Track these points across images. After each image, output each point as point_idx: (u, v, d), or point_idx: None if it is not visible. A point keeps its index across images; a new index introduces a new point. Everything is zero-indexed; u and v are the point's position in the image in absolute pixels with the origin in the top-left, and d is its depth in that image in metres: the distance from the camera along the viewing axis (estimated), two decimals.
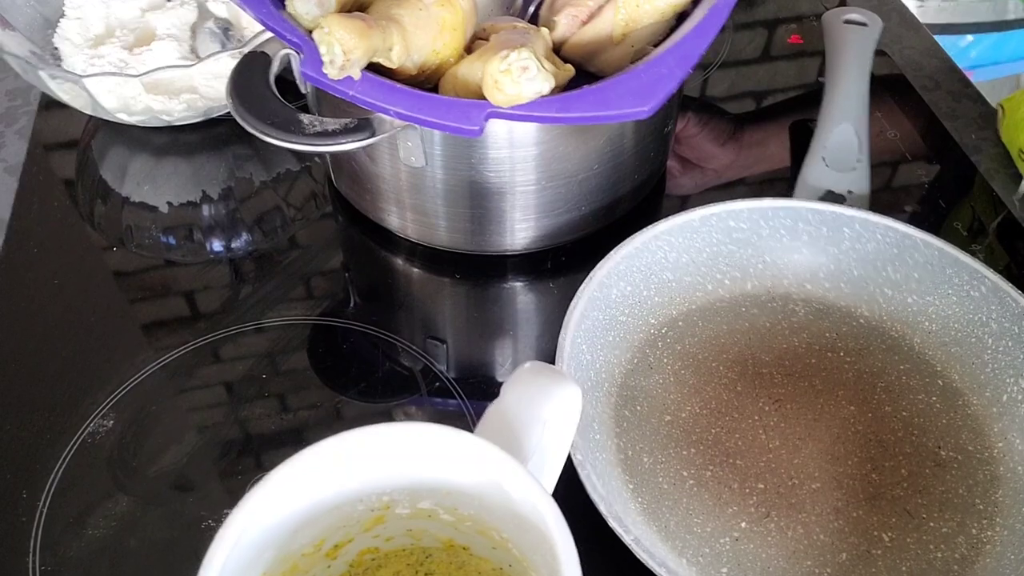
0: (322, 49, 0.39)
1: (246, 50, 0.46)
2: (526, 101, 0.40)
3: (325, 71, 0.40)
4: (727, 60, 0.68)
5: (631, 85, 0.42)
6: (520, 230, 0.53)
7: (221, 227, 0.59)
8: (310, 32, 0.42)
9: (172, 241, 0.58)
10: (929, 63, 0.69)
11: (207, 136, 0.63)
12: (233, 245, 0.58)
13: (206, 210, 0.60)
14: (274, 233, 0.58)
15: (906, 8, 0.74)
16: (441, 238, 0.54)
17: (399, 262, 0.56)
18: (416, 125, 0.43)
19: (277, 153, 0.62)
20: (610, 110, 0.42)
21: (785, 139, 0.63)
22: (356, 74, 0.40)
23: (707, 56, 0.69)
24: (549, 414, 0.30)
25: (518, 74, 0.39)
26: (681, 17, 0.48)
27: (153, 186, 0.61)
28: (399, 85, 0.42)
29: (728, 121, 0.65)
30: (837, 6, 0.69)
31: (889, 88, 0.66)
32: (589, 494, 0.37)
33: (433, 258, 0.55)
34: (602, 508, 0.37)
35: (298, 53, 0.42)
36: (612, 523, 0.36)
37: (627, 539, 0.36)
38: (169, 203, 0.60)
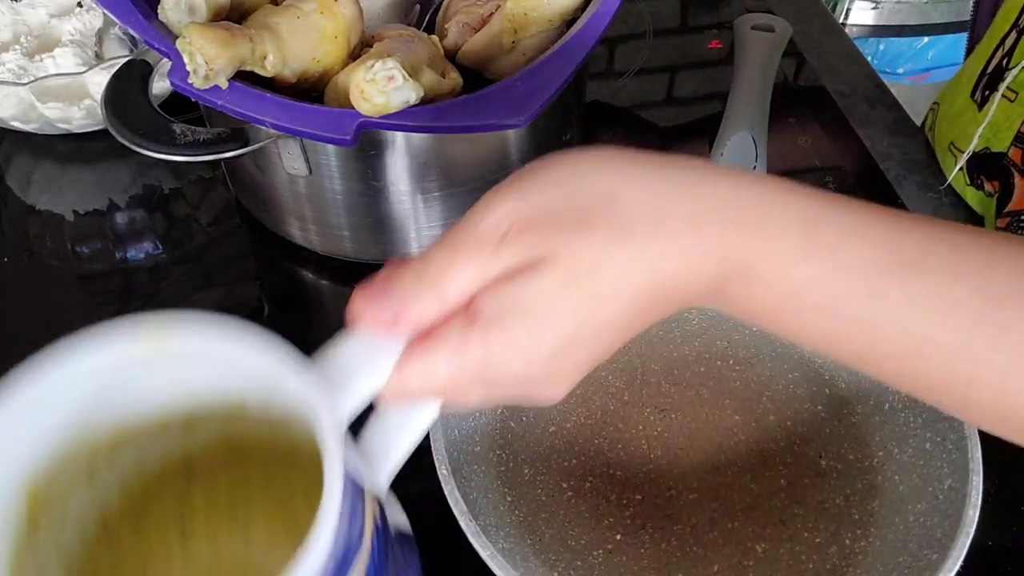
0: (185, 58, 0.39)
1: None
2: (394, 110, 0.40)
3: (190, 80, 0.39)
4: (645, 67, 0.68)
5: (507, 96, 0.42)
6: (423, 239, 0.53)
7: (129, 236, 0.58)
8: None
9: (79, 249, 0.57)
10: (847, 68, 0.69)
11: (113, 143, 0.62)
12: (141, 254, 0.57)
13: (113, 218, 0.59)
14: (184, 242, 0.57)
15: (828, 13, 0.74)
16: (346, 249, 0.54)
17: (307, 274, 0.56)
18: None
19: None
20: (485, 120, 0.41)
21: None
22: (223, 83, 0.40)
23: (624, 63, 0.69)
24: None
25: (384, 84, 0.39)
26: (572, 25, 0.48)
27: (58, 194, 0.60)
28: (268, 94, 0.41)
29: (656, 136, 0.65)
30: (757, 11, 0.69)
31: (805, 94, 0.66)
32: (452, 508, 0.37)
33: (340, 269, 0.55)
34: (462, 522, 0.36)
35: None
36: (471, 537, 0.36)
37: (484, 554, 0.36)
38: (75, 211, 0.59)
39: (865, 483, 0.42)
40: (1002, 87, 0.50)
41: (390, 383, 0.27)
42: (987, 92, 0.53)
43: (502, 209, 0.27)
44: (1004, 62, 0.52)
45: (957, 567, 0.35)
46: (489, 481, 0.42)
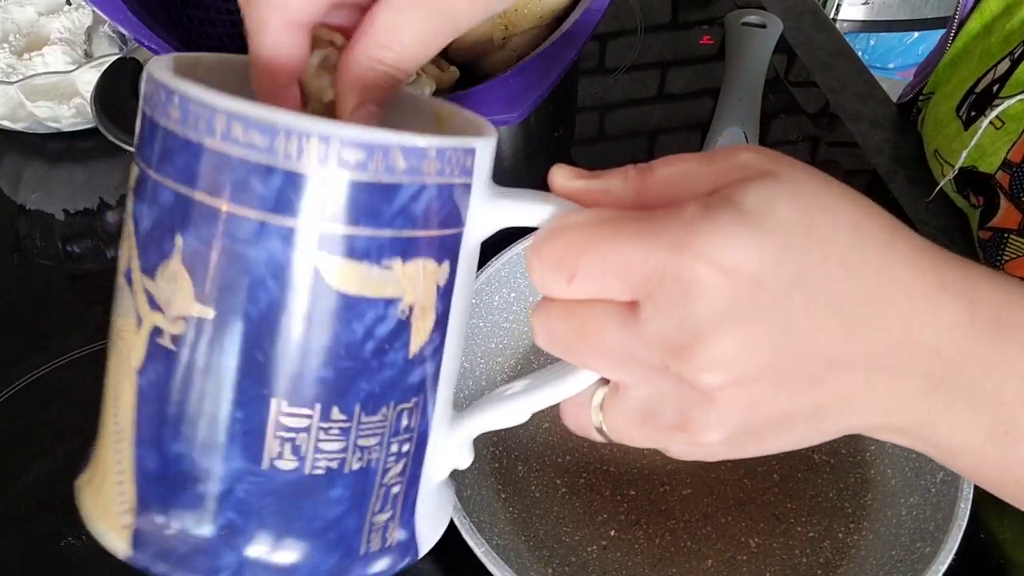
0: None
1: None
2: None
3: None
4: (637, 63, 0.68)
5: (498, 92, 0.42)
6: None
7: (119, 234, 0.58)
8: None
9: (69, 249, 0.57)
10: (838, 64, 0.69)
11: (103, 142, 0.61)
12: None
13: (104, 217, 0.59)
14: None
15: (819, 9, 0.74)
16: None
17: None
18: None
19: None
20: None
21: None
22: None
23: (615, 59, 0.69)
24: None
25: None
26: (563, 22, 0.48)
27: (48, 194, 0.60)
28: None
29: (648, 133, 0.65)
30: (748, 7, 0.69)
31: (796, 90, 0.67)
32: None
33: None
34: (456, 519, 0.36)
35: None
36: (465, 534, 0.36)
37: (479, 551, 0.36)
38: (65, 210, 0.59)
39: (858, 477, 0.43)
40: (991, 114, 0.50)
41: (543, 227, 0.24)
42: (973, 113, 0.53)
43: (749, 151, 0.24)
44: (995, 88, 0.52)
45: (950, 560, 0.36)
46: (483, 478, 0.42)
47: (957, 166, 0.53)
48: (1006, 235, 0.50)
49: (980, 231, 0.52)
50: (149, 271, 0.22)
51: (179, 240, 0.21)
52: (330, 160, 0.21)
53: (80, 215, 0.58)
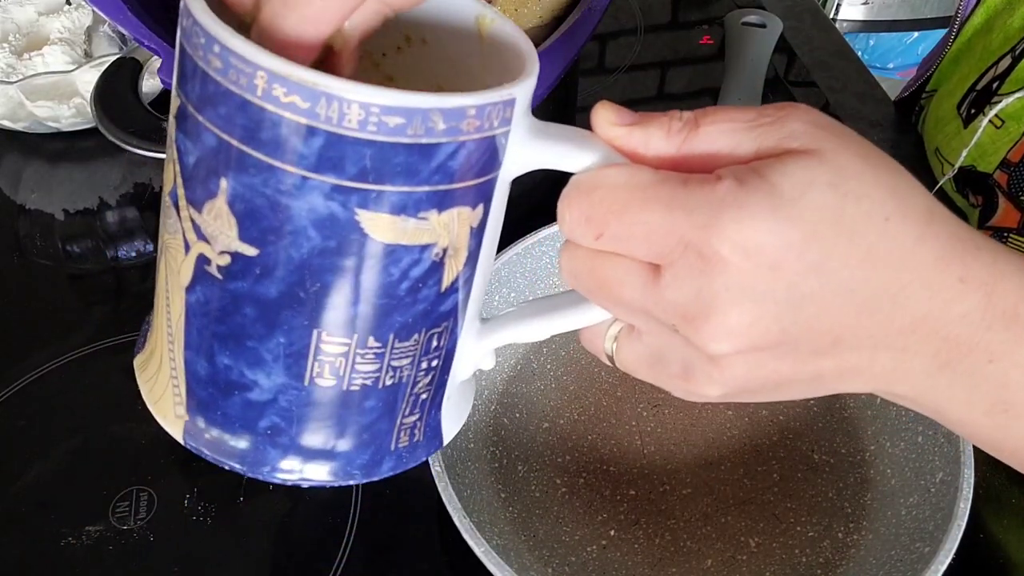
0: None
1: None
2: None
3: None
4: (636, 63, 0.68)
5: None
6: None
7: (119, 234, 0.58)
8: None
9: (69, 249, 0.57)
10: (838, 64, 0.69)
11: (103, 142, 0.61)
12: (132, 253, 0.57)
13: (104, 217, 0.59)
14: None
15: (819, 9, 0.74)
16: None
17: None
18: None
19: None
20: None
21: None
22: None
23: (615, 59, 0.69)
24: None
25: None
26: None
27: (48, 193, 0.60)
28: None
29: None
30: (748, 7, 0.69)
31: (796, 90, 0.67)
32: (445, 504, 0.37)
33: None
34: (456, 519, 0.36)
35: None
36: (465, 534, 0.36)
37: (479, 551, 0.36)
38: (65, 210, 0.59)
39: (857, 477, 0.43)
40: (990, 113, 0.50)
41: (582, 172, 0.24)
42: (972, 111, 0.53)
43: (800, 110, 0.24)
44: (995, 85, 0.52)
45: (949, 560, 0.36)
46: (483, 478, 0.42)
47: (957, 165, 0.53)
48: (1005, 234, 0.50)
49: (979, 230, 0.52)
50: (196, 205, 0.23)
51: (224, 183, 0.22)
52: (370, 124, 0.21)
53: (80, 215, 0.58)
